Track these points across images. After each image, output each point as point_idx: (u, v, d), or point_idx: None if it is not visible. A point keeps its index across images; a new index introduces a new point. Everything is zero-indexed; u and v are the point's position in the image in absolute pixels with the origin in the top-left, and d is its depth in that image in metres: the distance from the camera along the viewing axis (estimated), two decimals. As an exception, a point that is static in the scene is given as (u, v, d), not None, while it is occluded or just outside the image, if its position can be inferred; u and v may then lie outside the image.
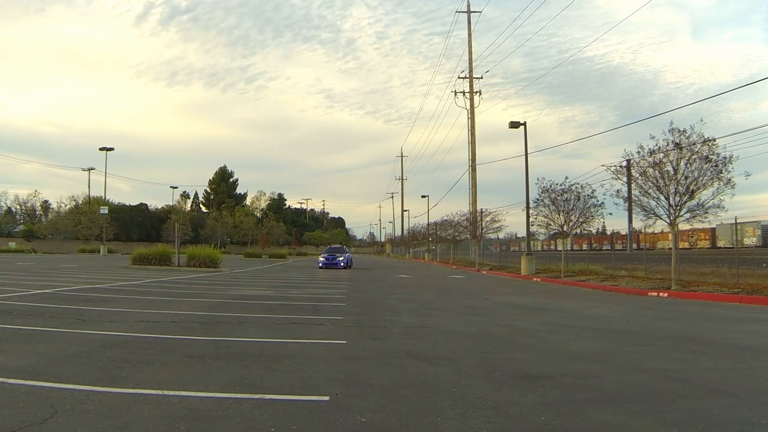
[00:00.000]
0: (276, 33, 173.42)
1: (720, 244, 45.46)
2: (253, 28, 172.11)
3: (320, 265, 34.52)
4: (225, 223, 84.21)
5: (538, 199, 24.73)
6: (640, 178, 17.04)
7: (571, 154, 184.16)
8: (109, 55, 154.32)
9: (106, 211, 62.18)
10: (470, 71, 46.18)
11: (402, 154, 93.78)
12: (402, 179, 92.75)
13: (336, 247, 41.95)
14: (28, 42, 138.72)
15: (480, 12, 60.67)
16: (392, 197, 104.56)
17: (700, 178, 15.55)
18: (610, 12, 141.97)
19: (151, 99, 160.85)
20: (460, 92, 46.34)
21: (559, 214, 23.86)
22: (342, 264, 34.73)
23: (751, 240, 43.68)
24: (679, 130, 15.98)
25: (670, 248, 24.43)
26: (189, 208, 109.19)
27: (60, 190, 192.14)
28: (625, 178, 22.07)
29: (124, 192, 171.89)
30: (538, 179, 24.89)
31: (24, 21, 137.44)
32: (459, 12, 51.39)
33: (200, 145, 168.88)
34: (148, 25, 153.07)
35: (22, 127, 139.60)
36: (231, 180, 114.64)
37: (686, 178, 15.72)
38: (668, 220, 16.61)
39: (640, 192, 17.12)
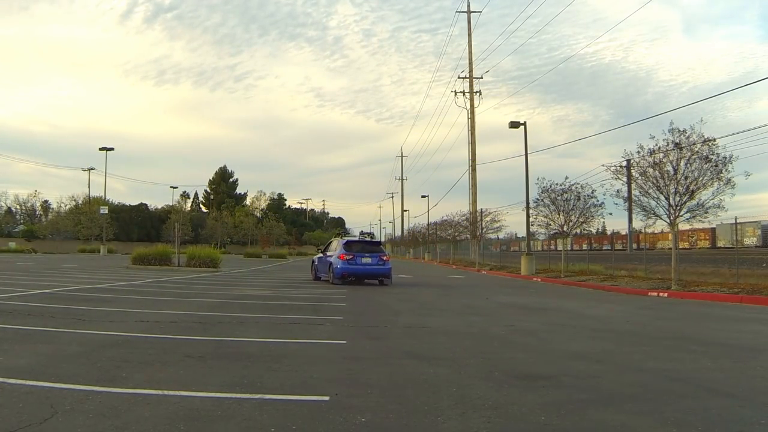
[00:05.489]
0: (262, 31, 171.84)
1: (720, 244, 45.46)
2: (238, 26, 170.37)
3: (338, 273, 18.46)
4: (225, 223, 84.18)
5: (538, 199, 24.76)
6: (640, 178, 17.05)
7: (565, 153, 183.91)
8: (96, 53, 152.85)
9: (106, 211, 62.17)
10: (470, 71, 46.21)
11: (402, 154, 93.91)
12: (402, 179, 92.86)
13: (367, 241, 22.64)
14: (13, 41, 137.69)
15: (480, 12, 60.68)
16: (392, 197, 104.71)
17: (700, 178, 15.56)
18: (600, 9, 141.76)
19: (142, 98, 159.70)
20: (460, 92, 46.40)
21: (559, 214, 23.87)
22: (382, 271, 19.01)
23: (751, 240, 43.68)
24: (679, 130, 16.01)
25: (670, 248, 24.44)
26: (189, 208, 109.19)
27: (55, 190, 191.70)
28: (625, 178, 22.09)
29: (122, 192, 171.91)
30: (537, 179, 24.95)
31: (8, 20, 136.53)
32: (459, 12, 51.38)
33: (199, 145, 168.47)
34: (132, 23, 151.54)
35: (13, 126, 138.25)
36: (231, 180, 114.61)
37: (686, 178, 15.74)
38: (668, 220, 16.62)
39: (640, 192, 17.14)
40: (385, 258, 19.43)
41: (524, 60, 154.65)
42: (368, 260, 18.80)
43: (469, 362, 6.11)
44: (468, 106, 45.94)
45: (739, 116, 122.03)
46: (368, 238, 20.65)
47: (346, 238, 22.32)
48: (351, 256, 18.61)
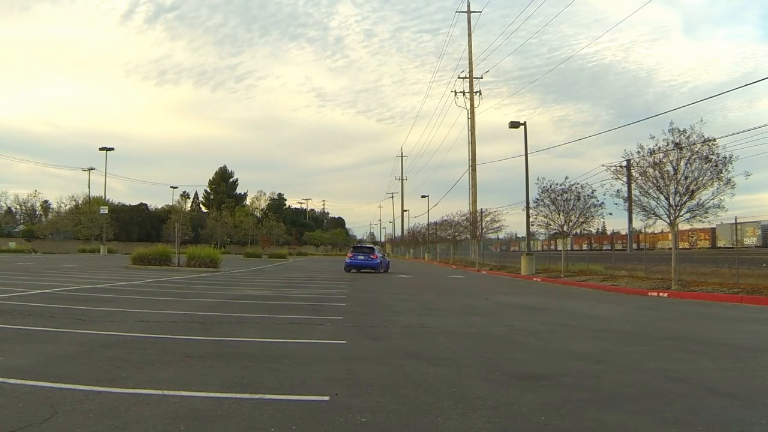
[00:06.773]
0: (263, 31, 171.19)
1: (720, 244, 45.44)
2: (239, 26, 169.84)
3: (346, 265, 30.59)
4: (225, 223, 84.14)
5: (538, 199, 24.76)
6: (640, 178, 17.05)
7: (566, 153, 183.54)
8: (97, 53, 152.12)
9: (106, 211, 62.12)
10: (470, 71, 46.21)
11: (402, 154, 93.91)
12: (402, 179, 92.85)
13: (365, 246, 34.59)
14: (14, 40, 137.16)
15: (480, 12, 60.65)
16: (392, 197, 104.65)
17: (700, 178, 15.56)
18: (601, 9, 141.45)
19: (143, 98, 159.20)
20: (460, 92, 46.40)
21: (559, 214, 23.87)
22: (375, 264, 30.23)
23: (751, 240, 43.66)
24: (679, 130, 16.00)
25: (670, 248, 24.43)
26: (189, 208, 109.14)
27: (54, 190, 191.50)
28: (625, 178, 22.08)
29: (122, 192, 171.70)
30: (538, 179, 24.95)
31: (10, 20, 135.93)
32: (459, 12, 51.38)
33: (199, 145, 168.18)
34: (134, 23, 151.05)
35: (13, 126, 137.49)
36: (231, 180, 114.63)
37: (686, 178, 15.73)
38: (668, 220, 16.62)
39: (640, 192, 17.13)
40: (372, 256, 30.54)
41: (525, 60, 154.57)
42: (362, 257, 30.50)
43: (469, 362, 6.11)
44: (468, 106, 45.97)
45: (740, 116, 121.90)
46: (367, 244, 38.63)
47: (354, 245, 38.67)
48: (351, 255, 31.08)
